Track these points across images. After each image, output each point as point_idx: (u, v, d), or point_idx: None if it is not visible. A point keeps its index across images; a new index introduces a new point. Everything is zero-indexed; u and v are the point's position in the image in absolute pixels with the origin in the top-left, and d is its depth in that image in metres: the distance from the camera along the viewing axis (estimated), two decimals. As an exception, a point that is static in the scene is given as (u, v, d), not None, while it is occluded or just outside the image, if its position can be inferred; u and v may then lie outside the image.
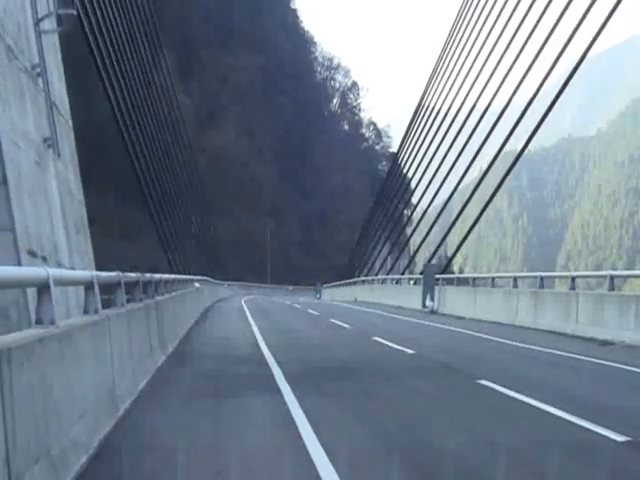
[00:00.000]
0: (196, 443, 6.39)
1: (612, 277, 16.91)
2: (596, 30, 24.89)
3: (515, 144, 35.08)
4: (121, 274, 9.05)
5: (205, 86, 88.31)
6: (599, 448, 6.34)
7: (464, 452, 6.20)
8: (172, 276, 18.34)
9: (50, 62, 12.36)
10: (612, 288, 16.89)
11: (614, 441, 6.47)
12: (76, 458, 5.33)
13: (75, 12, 13.33)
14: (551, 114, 27.71)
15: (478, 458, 6.03)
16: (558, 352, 13.96)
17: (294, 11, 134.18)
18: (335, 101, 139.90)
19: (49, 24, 12.33)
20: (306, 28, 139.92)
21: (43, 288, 5.46)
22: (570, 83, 27.23)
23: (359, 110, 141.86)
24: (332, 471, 5.32)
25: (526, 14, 32.08)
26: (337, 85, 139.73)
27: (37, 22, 11.50)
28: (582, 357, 13.17)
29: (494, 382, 9.74)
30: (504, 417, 7.79)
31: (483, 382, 9.83)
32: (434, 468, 5.71)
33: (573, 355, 13.46)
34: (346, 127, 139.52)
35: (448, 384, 10.14)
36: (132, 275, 10.33)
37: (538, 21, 30.96)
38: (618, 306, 15.95)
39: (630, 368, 11.66)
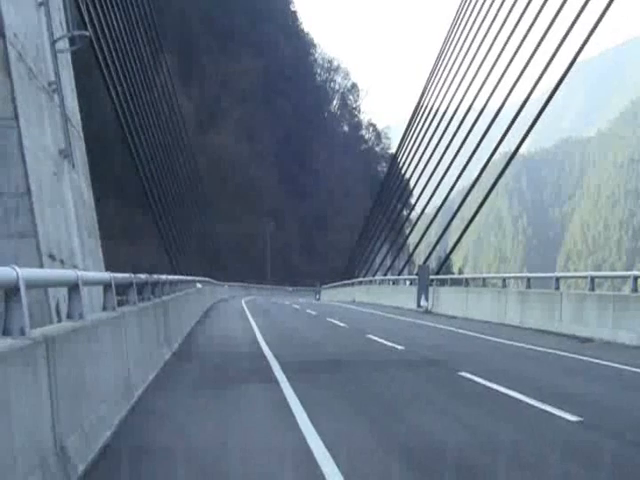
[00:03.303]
0: (203, 421, 7.41)
1: (592, 278, 17.90)
2: (595, 32, 25.47)
3: (515, 145, 35.60)
4: (133, 276, 10.02)
5: (205, 89, 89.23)
6: (554, 426, 7.29)
7: (434, 426, 7.29)
8: (176, 277, 19.23)
9: (64, 79, 13.30)
10: (593, 288, 17.85)
11: (568, 420, 7.43)
12: (102, 432, 6.28)
13: (88, 33, 14.32)
14: (551, 115, 28.63)
15: (445, 432, 6.99)
16: (539, 348, 14.91)
17: (294, 13, 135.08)
18: (335, 103, 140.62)
19: (63, 44, 13.29)
20: (306, 30, 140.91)
21: (73, 288, 6.41)
22: (570, 85, 28.04)
23: (359, 112, 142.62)
24: (318, 438, 6.36)
25: (521, 15, 32.73)
26: (337, 87, 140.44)
27: (53, 43, 12.45)
28: (560, 352, 14.12)
29: (473, 374, 10.66)
30: (475, 401, 8.75)
31: (463, 374, 10.77)
32: (407, 438, 6.67)
33: (552, 351, 14.40)
34: (346, 129, 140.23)
35: (430, 375, 11.13)
36: (142, 276, 11.26)
37: (533, 22, 31.56)
38: (597, 305, 16.89)
39: (600, 362, 12.63)
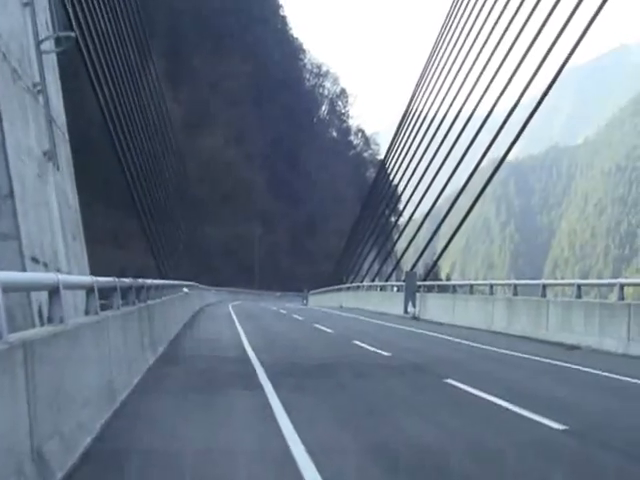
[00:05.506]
0: (187, 427, 7.33)
1: (579, 285, 17.93)
2: (584, 39, 25.48)
3: (503, 151, 35.53)
4: (117, 279, 9.91)
5: (195, 93, 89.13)
6: (539, 434, 7.24)
7: (418, 432, 7.27)
8: (162, 282, 19.11)
9: (49, 80, 13.19)
10: (579, 296, 17.86)
11: (553, 429, 7.38)
12: (82, 438, 6.17)
13: (74, 34, 14.22)
14: (539, 122, 28.63)
15: (430, 438, 6.94)
16: (525, 355, 14.90)
17: (283, 18, 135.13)
18: (324, 108, 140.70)
19: (49, 45, 13.17)
20: (295, 35, 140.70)
21: (54, 291, 6.31)
22: (559, 92, 27.97)
23: (347, 117, 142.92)
24: (300, 445, 6.32)
25: (510, 22, 32.78)
26: (326, 92, 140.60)
27: (38, 44, 12.34)
28: (546, 360, 14.09)
29: (458, 381, 10.61)
30: (460, 409, 8.71)
31: (448, 380, 10.72)
32: (391, 444, 6.61)
33: (538, 358, 14.38)
34: (334, 134, 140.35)
35: (416, 381, 11.10)
36: (126, 280, 11.15)
37: (522, 29, 31.58)
38: (584, 313, 16.89)
39: (586, 369, 12.61)
